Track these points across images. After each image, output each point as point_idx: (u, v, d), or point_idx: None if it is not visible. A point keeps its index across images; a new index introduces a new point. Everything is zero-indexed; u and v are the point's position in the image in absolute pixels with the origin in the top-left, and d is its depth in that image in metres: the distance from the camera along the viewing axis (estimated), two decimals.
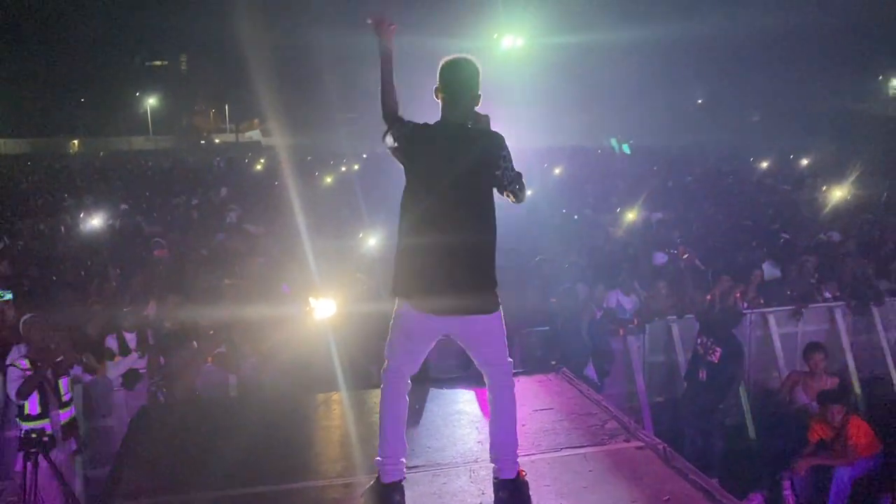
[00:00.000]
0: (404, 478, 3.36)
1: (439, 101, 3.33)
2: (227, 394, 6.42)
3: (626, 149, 31.85)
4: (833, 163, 21.49)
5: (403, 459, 3.36)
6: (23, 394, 5.41)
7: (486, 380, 3.42)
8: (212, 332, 6.19)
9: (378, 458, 3.36)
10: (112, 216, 14.80)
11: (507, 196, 3.33)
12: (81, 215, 14.73)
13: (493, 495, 3.35)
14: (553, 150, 25.98)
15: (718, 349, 6.95)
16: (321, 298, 5.52)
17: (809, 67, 46.67)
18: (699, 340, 7.05)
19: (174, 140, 60.45)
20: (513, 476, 3.32)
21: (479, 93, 3.33)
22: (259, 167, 29.59)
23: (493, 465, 3.38)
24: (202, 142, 62.23)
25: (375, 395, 4.84)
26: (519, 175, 3.31)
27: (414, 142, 3.26)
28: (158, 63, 71.02)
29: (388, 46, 3.33)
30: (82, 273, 9.46)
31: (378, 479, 3.34)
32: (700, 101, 56.01)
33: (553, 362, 5.25)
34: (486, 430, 4.09)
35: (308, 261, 6.75)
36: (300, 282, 7.09)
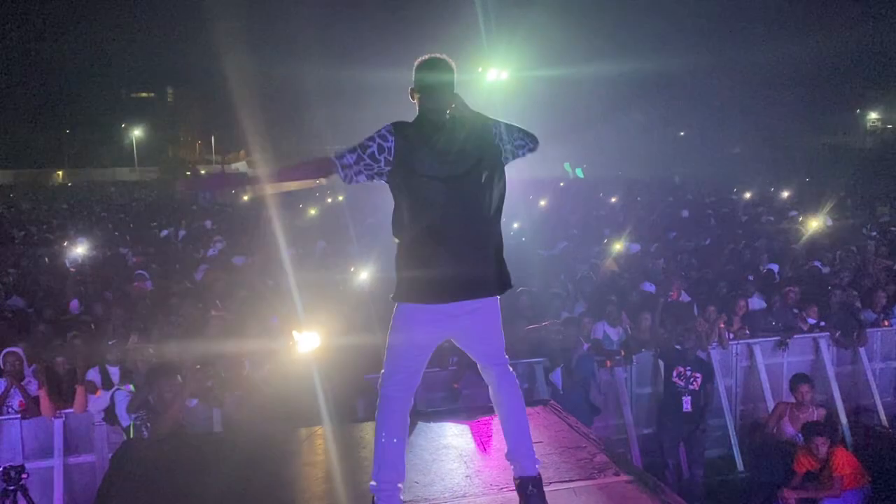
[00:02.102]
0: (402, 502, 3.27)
1: (415, 101, 3.26)
2: (212, 428, 6.33)
3: (579, 173, 32.21)
4: (813, 195, 21.80)
5: (401, 486, 3.26)
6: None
7: (490, 379, 3.36)
8: (198, 366, 6.12)
9: (373, 482, 3.25)
10: (95, 248, 14.71)
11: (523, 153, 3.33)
12: (65, 246, 14.64)
13: (518, 495, 3.29)
14: (538, 181, 26.19)
15: (699, 375, 7.06)
16: (304, 332, 5.48)
17: (788, 101, 47.55)
18: (677, 372, 7.10)
19: (159, 171, 60.37)
20: (536, 473, 3.29)
21: (456, 92, 3.27)
22: (245, 198, 29.55)
23: (513, 465, 3.33)
24: (188, 173, 62.19)
25: (360, 430, 4.81)
26: (520, 133, 3.30)
27: (406, 155, 3.12)
28: (144, 95, 71.23)
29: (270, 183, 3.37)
30: (65, 305, 9.36)
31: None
32: (682, 134, 56.80)
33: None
34: (475, 464, 4.07)
35: (292, 293, 6.72)
36: (286, 314, 7.06)
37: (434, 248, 3.13)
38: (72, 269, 10.91)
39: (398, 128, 3.16)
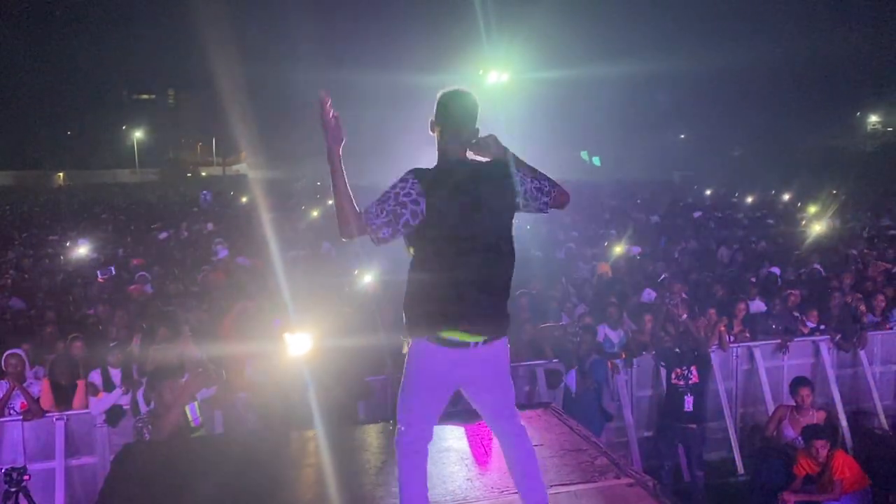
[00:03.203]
0: None
1: (435, 134, 3.18)
2: (213, 430, 6.34)
3: (596, 162, 32.11)
4: (814, 197, 21.82)
5: None
6: None
7: (500, 433, 3.32)
8: (201, 369, 6.13)
9: None
10: (97, 250, 14.74)
11: (546, 203, 3.25)
12: (67, 247, 14.67)
13: None
14: None
15: (694, 367, 7.08)
16: (296, 334, 5.49)
17: (789, 104, 47.59)
18: (675, 374, 7.13)
19: (160, 173, 60.41)
20: None
21: (478, 127, 3.21)
22: (245, 200, 29.60)
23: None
24: (189, 175, 62.23)
25: (361, 432, 4.83)
26: (546, 179, 3.24)
27: (436, 198, 2.99)
28: (146, 96, 71.30)
29: (335, 148, 3.03)
30: (70, 308, 9.39)
31: None
32: (682, 136, 56.84)
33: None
34: (476, 467, 4.08)
35: (287, 294, 6.74)
36: (285, 316, 7.07)
37: (455, 292, 3.06)
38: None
39: (424, 183, 3.02)
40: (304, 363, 5.62)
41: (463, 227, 3.05)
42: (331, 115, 3.01)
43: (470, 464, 4.13)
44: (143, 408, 5.92)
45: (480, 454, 4.29)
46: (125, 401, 6.36)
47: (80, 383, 6.50)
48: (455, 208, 3.03)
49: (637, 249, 13.17)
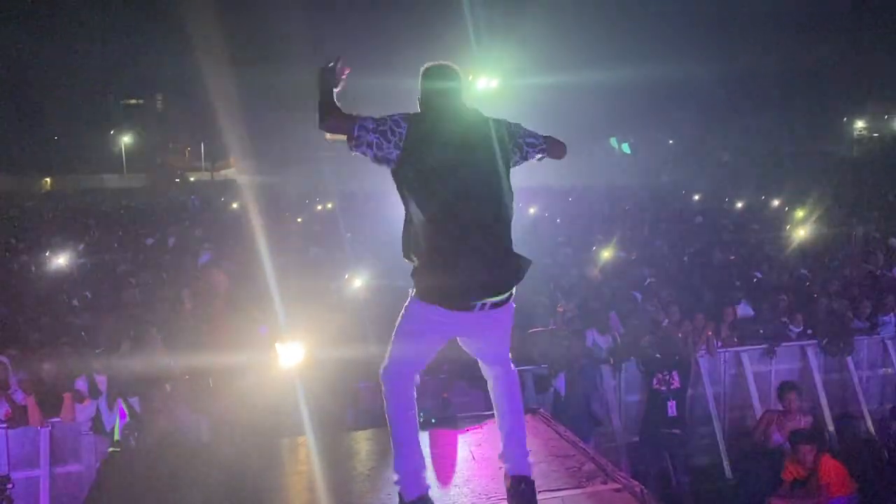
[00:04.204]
0: (429, 488, 3.25)
1: (423, 103, 3.25)
2: (199, 438, 6.30)
3: (625, 148, 32.11)
4: (801, 203, 21.94)
5: (424, 473, 3.23)
6: None
7: (491, 376, 3.36)
8: (187, 377, 6.10)
9: (395, 475, 3.22)
10: (84, 256, 14.63)
11: (540, 158, 3.33)
12: (52, 254, 14.53)
13: (508, 493, 3.28)
14: (528, 190, 26.25)
15: (675, 373, 7.11)
16: (288, 343, 5.46)
17: (776, 110, 47.93)
18: (657, 379, 7.16)
19: (149, 178, 60.07)
20: (529, 473, 3.30)
21: (465, 101, 3.24)
22: (234, 206, 29.47)
23: (507, 463, 3.32)
24: (177, 180, 61.92)
25: (350, 439, 4.81)
26: (536, 134, 3.31)
27: (416, 142, 3.06)
28: (134, 101, 70.95)
29: (333, 82, 3.17)
30: (54, 314, 9.29)
31: (401, 498, 3.20)
32: (671, 142, 57.12)
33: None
34: (464, 473, 4.07)
35: (285, 302, 6.70)
36: (278, 323, 7.03)
37: (453, 247, 3.05)
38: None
39: (409, 116, 3.13)
40: (297, 370, 5.59)
41: (447, 160, 3.05)
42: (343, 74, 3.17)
43: (459, 469, 4.12)
44: (105, 417, 5.84)
45: (469, 461, 4.28)
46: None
47: (67, 396, 6.42)
48: (436, 146, 3.06)
49: (622, 255, 13.18)
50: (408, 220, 3.13)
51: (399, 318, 3.22)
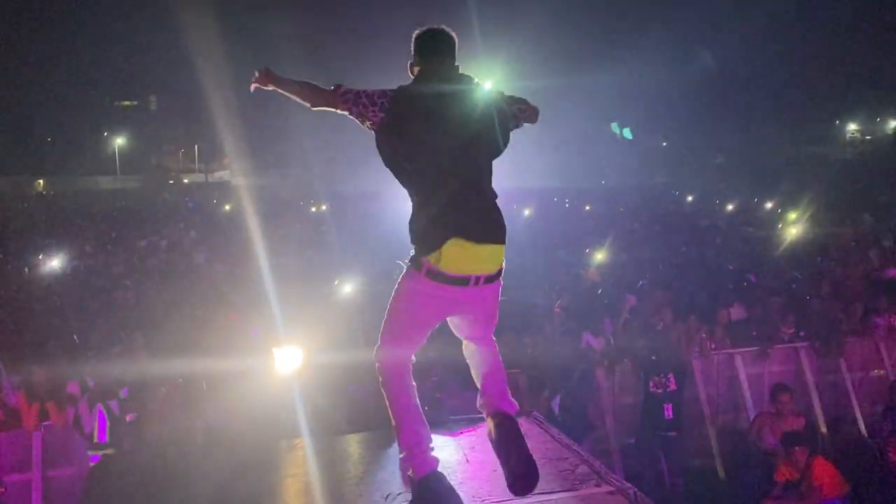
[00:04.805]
0: (438, 462, 3.23)
1: (414, 76, 3.23)
2: (194, 440, 6.28)
3: (627, 134, 32.12)
4: (794, 205, 22.04)
5: (430, 448, 3.22)
6: None
7: (474, 351, 3.38)
8: (180, 380, 6.09)
9: (402, 454, 3.22)
10: (76, 258, 14.58)
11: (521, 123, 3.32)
12: (45, 256, 14.49)
13: (489, 426, 3.23)
14: (522, 191, 26.30)
15: (671, 375, 7.12)
16: (285, 347, 5.45)
17: (769, 112, 48.11)
18: (653, 382, 7.17)
19: (142, 180, 59.92)
20: (514, 411, 3.27)
21: (458, 64, 3.23)
22: (227, 208, 29.43)
23: (487, 403, 3.29)
24: (171, 182, 61.79)
25: (343, 441, 4.81)
26: (521, 102, 3.30)
27: (405, 95, 3.06)
28: (127, 103, 70.75)
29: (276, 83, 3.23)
30: (46, 317, 9.26)
31: (412, 477, 3.20)
32: (665, 144, 57.24)
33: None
34: (458, 476, 4.06)
35: (278, 304, 6.70)
36: (269, 326, 7.03)
37: (444, 218, 3.04)
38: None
39: (398, 88, 3.12)
40: (294, 374, 5.58)
41: (434, 126, 3.03)
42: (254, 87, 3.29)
43: (452, 472, 4.11)
44: (85, 419, 5.82)
45: (463, 463, 4.28)
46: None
47: (51, 406, 6.38)
48: (423, 106, 3.04)
49: (616, 256, 13.21)
50: (399, 174, 3.13)
51: (392, 297, 3.20)
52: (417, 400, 3.25)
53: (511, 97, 3.33)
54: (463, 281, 3.08)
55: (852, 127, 55.78)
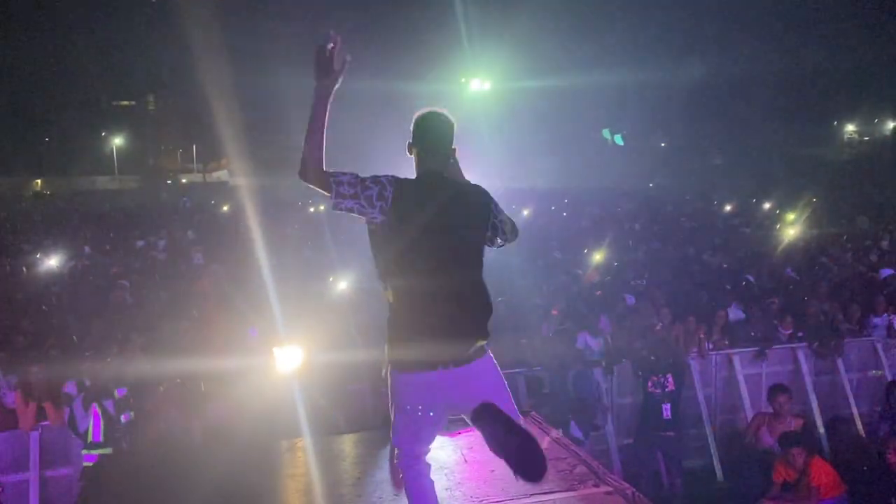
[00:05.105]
0: None
1: (413, 156, 3.20)
2: (192, 440, 6.27)
3: (618, 140, 32.14)
4: (792, 206, 22.06)
5: None
6: None
7: None
8: (179, 380, 6.07)
9: (396, 460, 3.25)
10: (74, 258, 14.56)
11: (502, 243, 3.27)
12: (41, 257, 14.47)
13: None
14: (521, 192, 26.30)
15: (669, 375, 7.13)
16: (286, 346, 5.44)
17: (767, 113, 48.13)
18: (651, 382, 7.18)
19: (140, 180, 59.82)
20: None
21: (455, 146, 3.22)
22: (226, 208, 29.39)
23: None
24: (169, 182, 61.68)
25: (340, 441, 4.81)
26: (511, 220, 3.28)
27: (403, 200, 2.99)
28: (125, 103, 70.63)
29: (331, 86, 2.96)
30: (43, 317, 9.25)
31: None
32: (663, 145, 57.22)
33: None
34: (455, 477, 4.07)
35: (273, 305, 6.69)
36: (269, 325, 7.01)
37: (428, 307, 3.02)
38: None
39: (398, 181, 3.05)
40: (293, 374, 5.57)
41: (427, 237, 3.01)
42: (341, 60, 2.94)
43: (449, 473, 4.12)
44: (80, 418, 5.81)
45: (460, 464, 4.28)
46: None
47: (48, 405, 6.37)
48: (421, 215, 3.01)
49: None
50: (385, 262, 3.08)
51: (390, 400, 3.17)
52: (433, 494, 3.21)
53: (500, 210, 3.28)
54: (431, 367, 3.02)
55: (850, 128, 55.84)
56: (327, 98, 2.96)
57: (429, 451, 3.21)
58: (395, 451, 3.21)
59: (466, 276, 3.12)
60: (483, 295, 3.15)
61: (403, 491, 3.25)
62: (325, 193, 2.98)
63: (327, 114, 2.96)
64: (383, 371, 3.15)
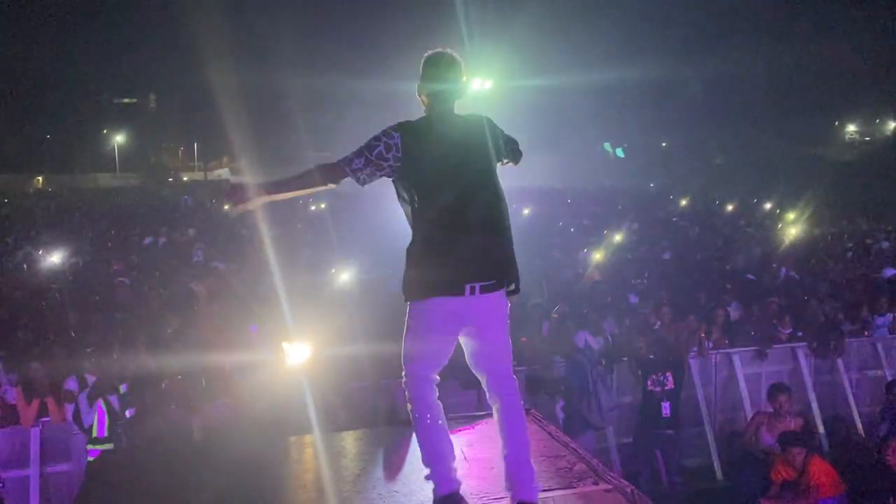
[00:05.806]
0: (460, 484, 3.25)
1: (423, 97, 3.28)
2: (191, 437, 6.28)
3: (619, 153, 32.22)
4: (793, 206, 22.06)
5: (454, 469, 3.25)
6: None
7: (496, 403, 3.33)
8: (179, 377, 6.08)
9: (427, 471, 3.24)
10: (75, 255, 14.57)
11: (507, 163, 3.41)
12: (44, 253, 14.48)
13: None
14: (522, 190, 26.29)
15: (669, 374, 7.14)
16: (294, 342, 5.44)
17: (769, 113, 48.12)
18: (651, 380, 7.19)
19: (141, 177, 59.81)
20: (535, 500, 3.23)
21: (465, 79, 3.31)
22: (226, 207, 29.34)
23: (511, 490, 3.24)
24: (170, 179, 61.67)
25: (342, 438, 4.81)
26: (513, 139, 3.43)
27: (416, 142, 3.13)
28: (127, 100, 70.62)
29: (260, 197, 3.20)
30: (45, 313, 9.27)
31: (434, 493, 3.23)
32: (664, 145, 57.24)
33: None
34: (458, 473, 4.07)
35: (279, 301, 6.69)
36: (270, 322, 7.01)
37: (448, 244, 3.11)
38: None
39: (403, 126, 3.18)
40: (300, 370, 5.57)
41: (443, 169, 3.12)
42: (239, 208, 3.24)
43: None
44: (85, 414, 5.84)
45: (462, 461, 4.28)
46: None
47: (50, 401, 6.39)
48: (435, 150, 3.13)
49: (615, 256, 13.21)
50: (408, 204, 3.20)
51: (405, 325, 3.25)
52: (441, 419, 3.26)
53: (503, 133, 3.42)
54: (458, 291, 3.13)
55: (851, 128, 55.85)
56: (271, 194, 3.21)
57: (439, 369, 3.28)
58: (406, 380, 3.25)
59: (485, 201, 3.19)
60: (502, 219, 3.23)
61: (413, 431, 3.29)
62: (348, 179, 3.19)
63: (290, 190, 3.25)
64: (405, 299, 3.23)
